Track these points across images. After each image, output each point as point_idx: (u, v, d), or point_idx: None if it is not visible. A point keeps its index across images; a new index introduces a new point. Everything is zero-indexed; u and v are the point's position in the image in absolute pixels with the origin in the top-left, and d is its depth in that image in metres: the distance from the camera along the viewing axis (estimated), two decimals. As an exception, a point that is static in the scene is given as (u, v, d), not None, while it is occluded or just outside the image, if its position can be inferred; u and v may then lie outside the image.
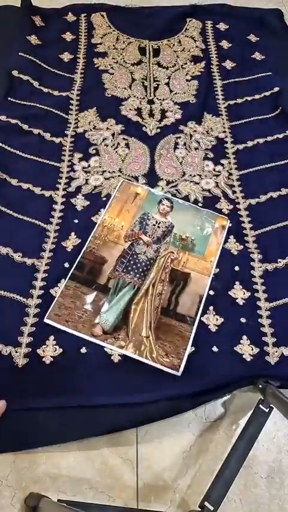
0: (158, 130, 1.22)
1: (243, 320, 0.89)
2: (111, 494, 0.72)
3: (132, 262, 0.96)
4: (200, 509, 0.65)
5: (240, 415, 0.81)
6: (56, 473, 0.73)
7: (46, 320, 0.86)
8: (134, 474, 0.75)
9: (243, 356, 0.85)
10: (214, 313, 0.90)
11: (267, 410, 0.75)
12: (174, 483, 0.74)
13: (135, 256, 0.97)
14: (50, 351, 0.83)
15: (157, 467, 0.76)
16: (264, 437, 0.78)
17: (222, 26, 1.52)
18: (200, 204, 1.07)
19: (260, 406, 0.75)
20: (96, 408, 0.77)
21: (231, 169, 1.14)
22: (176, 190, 1.09)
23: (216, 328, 0.88)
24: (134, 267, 0.95)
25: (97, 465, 0.75)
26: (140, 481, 0.74)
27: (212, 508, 0.64)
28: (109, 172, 1.12)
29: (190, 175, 1.13)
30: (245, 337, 0.87)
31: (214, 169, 1.14)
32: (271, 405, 0.75)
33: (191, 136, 1.21)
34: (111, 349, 0.84)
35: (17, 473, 0.73)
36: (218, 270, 0.96)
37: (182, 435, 0.79)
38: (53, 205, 1.04)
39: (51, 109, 1.22)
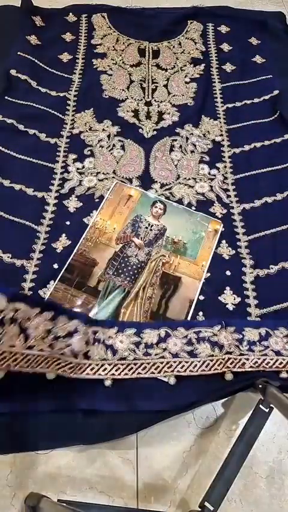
0: (155, 132, 1.21)
1: (232, 326, 0.88)
2: (111, 494, 0.72)
3: (123, 265, 0.95)
4: (200, 510, 0.65)
5: (240, 415, 0.80)
6: (56, 473, 0.73)
7: (33, 322, 0.85)
8: (134, 474, 0.74)
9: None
10: (203, 318, 0.88)
11: (267, 411, 0.74)
12: (174, 483, 0.74)
13: (126, 259, 0.96)
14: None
15: (157, 467, 0.75)
16: (264, 437, 0.77)
17: (223, 29, 1.51)
18: (194, 208, 1.06)
19: (260, 406, 0.75)
20: (94, 414, 0.77)
21: (226, 173, 1.13)
22: (170, 193, 1.08)
23: (205, 333, 0.87)
24: (125, 269, 0.94)
25: (97, 465, 0.75)
26: (140, 481, 0.74)
27: (212, 508, 0.64)
28: (103, 173, 1.11)
29: (185, 178, 1.12)
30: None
31: (209, 173, 1.13)
32: (271, 405, 0.75)
33: (187, 139, 1.20)
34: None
35: (17, 473, 0.73)
36: (209, 274, 0.95)
37: (182, 435, 0.78)
38: (45, 207, 1.03)
39: (48, 109, 1.22)
